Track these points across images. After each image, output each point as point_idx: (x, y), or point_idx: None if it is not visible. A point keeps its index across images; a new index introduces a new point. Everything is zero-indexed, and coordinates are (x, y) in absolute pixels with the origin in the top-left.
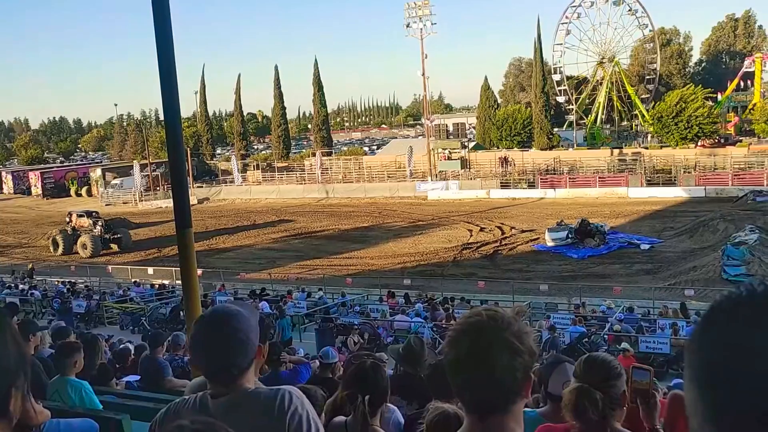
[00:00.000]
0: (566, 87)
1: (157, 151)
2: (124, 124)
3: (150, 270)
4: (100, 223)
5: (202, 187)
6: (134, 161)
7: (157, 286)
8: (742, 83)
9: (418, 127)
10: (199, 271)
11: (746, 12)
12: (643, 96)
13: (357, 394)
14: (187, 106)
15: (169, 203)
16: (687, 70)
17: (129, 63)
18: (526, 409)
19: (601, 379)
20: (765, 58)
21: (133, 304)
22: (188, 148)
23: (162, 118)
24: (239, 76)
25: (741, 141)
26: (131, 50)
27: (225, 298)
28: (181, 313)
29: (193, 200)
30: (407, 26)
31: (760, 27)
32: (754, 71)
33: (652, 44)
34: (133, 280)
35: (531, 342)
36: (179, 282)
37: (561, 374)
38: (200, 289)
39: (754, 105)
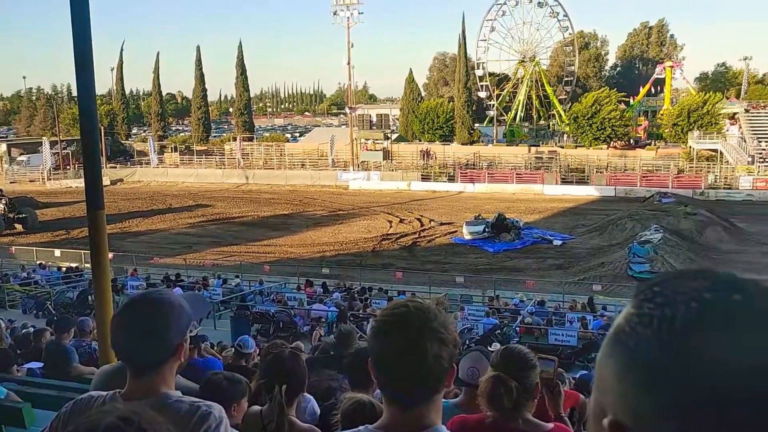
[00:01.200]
0: (488, 83)
1: (68, 128)
2: (33, 98)
3: (57, 252)
4: (3, 201)
5: (115, 167)
6: (43, 138)
7: (64, 269)
8: (653, 89)
9: (341, 116)
10: (110, 255)
11: (660, 21)
12: (561, 96)
13: (274, 384)
14: (103, 83)
15: (79, 183)
16: (603, 73)
17: (40, 33)
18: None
19: (516, 369)
20: (675, 67)
21: (37, 288)
22: (102, 127)
23: (75, 93)
24: (158, 54)
25: (650, 144)
26: (42, 19)
27: (137, 282)
28: (90, 297)
29: (105, 181)
30: (334, 14)
31: (672, 36)
32: (664, 78)
33: (571, 47)
34: (38, 262)
35: (455, 332)
36: (88, 265)
37: (472, 360)
38: (111, 273)
39: (664, 110)
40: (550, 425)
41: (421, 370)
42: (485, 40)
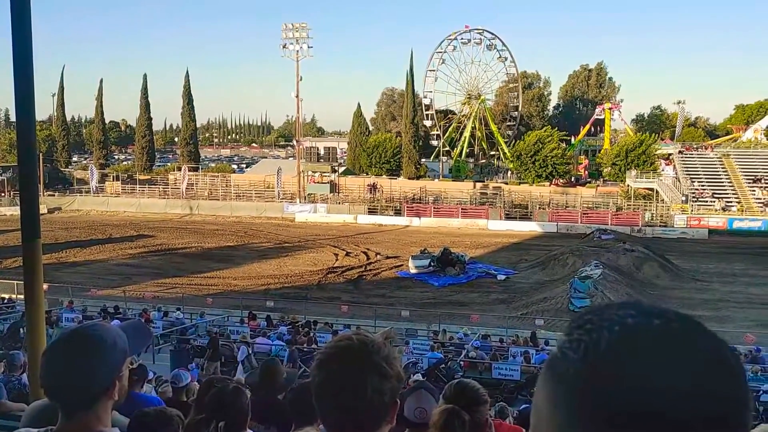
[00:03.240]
0: (435, 121)
1: (4, 154)
2: None
3: None
4: None
5: (54, 195)
6: None
7: None
8: (593, 129)
9: (289, 148)
10: (45, 286)
11: (599, 64)
12: (506, 132)
13: (212, 419)
14: (42, 109)
15: (14, 211)
16: (546, 113)
17: None
18: None
19: (469, 402)
20: (614, 108)
21: None
22: (41, 153)
23: (12, 118)
24: (101, 81)
25: (590, 182)
26: None
27: (73, 315)
28: (21, 330)
29: (42, 209)
30: (284, 47)
31: (611, 78)
32: (604, 119)
33: (516, 85)
34: None
35: (399, 367)
36: (21, 296)
37: (418, 401)
38: (45, 305)
39: (604, 150)
40: None
41: (361, 404)
42: (434, 71)
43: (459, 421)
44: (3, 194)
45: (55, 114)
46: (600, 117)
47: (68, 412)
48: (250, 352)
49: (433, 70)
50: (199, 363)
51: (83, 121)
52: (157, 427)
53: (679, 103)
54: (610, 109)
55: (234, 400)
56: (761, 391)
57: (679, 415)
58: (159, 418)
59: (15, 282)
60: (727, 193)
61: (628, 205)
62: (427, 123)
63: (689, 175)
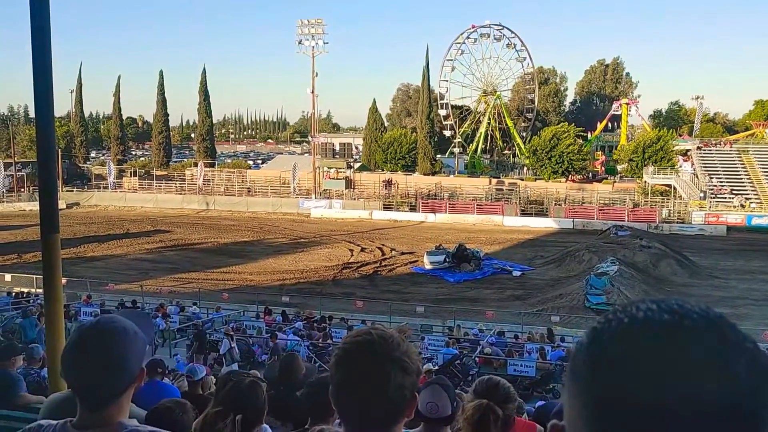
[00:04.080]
0: (451, 122)
1: (24, 150)
2: None
3: (8, 276)
4: None
5: (72, 191)
6: None
7: (14, 294)
8: (610, 124)
9: (304, 144)
10: (64, 280)
11: (615, 59)
12: (522, 128)
13: (229, 412)
14: (62, 105)
15: (33, 206)
16: (562, 108)
17: None
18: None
19: (501, 399)
20: (631, 104)
21: None
22: (59, 149)
23: (32, 115)
24: (119, 77)
25: (607, 178)
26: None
27: (91, 309)
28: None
29: (61, 204)
30: (299, 43)
31: (628, 74)
32: (621, 114)
33: (531, 78)
34: None
35: (418, 361)
36: (41, 290)
37: (431, 395)
38: (63, 299)
39: (621, 146)
40: None
41: (383, 400)
42: (447, 81)
43: (494, 416)
44: (23, 190)
45: (74, 110)
46: (617, 113)
47: (95, 407)
48: (232, 345)
49: (451, 60)
50: (187, 356)
51: (101, 117)
52: (176, 417)
53: (697, 98)
54: (627, 104)
55: (250, 394)
56: None
57: (679, 411)
58: (178, 409)
59: (34, 276)
60: (746, 190)
61: (645, 201)
62: (442, 113)
63: (707, 171)
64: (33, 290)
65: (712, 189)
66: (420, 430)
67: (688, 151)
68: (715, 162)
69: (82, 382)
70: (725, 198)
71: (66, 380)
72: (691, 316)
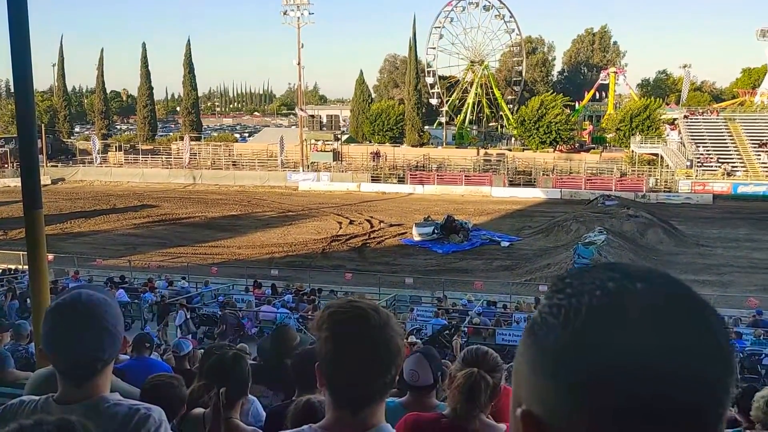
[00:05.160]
0: (438, 90)
1: (6, 125)
2: None
3: None
4: None
5: (57, 166)
6: None
7: (1, 270)
8: (597, 94)
9: (291, 116)
10: (50, 256)
11: (602, 27)
12: (509, 98)
13: (213, 385)
14: (43, 80)
15: (17, 182)
16: (550, 78)
17: None
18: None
19: (490, 368)
20: (618, 73)
21: None
22: (42, 124)
23: (12, 89)
24: (102, 50)
25: (594, 148)
26: None
27: (79, 285)
28: (27, 300)
29: (46, 180)
30: (284, 14)
31: (615, 43)
32: (608, 84)
33: (519, 49)
34: None
35: (402, 333)
36: (27, 267)
37: (414, 363)
38: (51, 275)
39: (608, 115)
40: (504, 426)
41: (377, 373)
42: (434, 48)
43: (485, 384)
44: (6, 166)
45: (56, 84)
46: (604, 82)
47: (78, 381)
48: (188, 317)
49: (439, 27)
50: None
51: (84, 91)
52: (169, 391)
53: (684, 67)
54: (614, 73)
55: (234, 367)
56: (763, 355)
57: (665, 389)
58: (171, 382)
59: (21, 253)
60: (732, 158)
61: (632, 170)
62: (429, 80)
63: (694, 140)
64: (20, 266)
65: (698, 157)
66: (407, 397)
67: (675, 119)
68: (702, 131)
69: (69, 355)
70: (711, 166)
71: (49, 355)
72: (661, 283)
